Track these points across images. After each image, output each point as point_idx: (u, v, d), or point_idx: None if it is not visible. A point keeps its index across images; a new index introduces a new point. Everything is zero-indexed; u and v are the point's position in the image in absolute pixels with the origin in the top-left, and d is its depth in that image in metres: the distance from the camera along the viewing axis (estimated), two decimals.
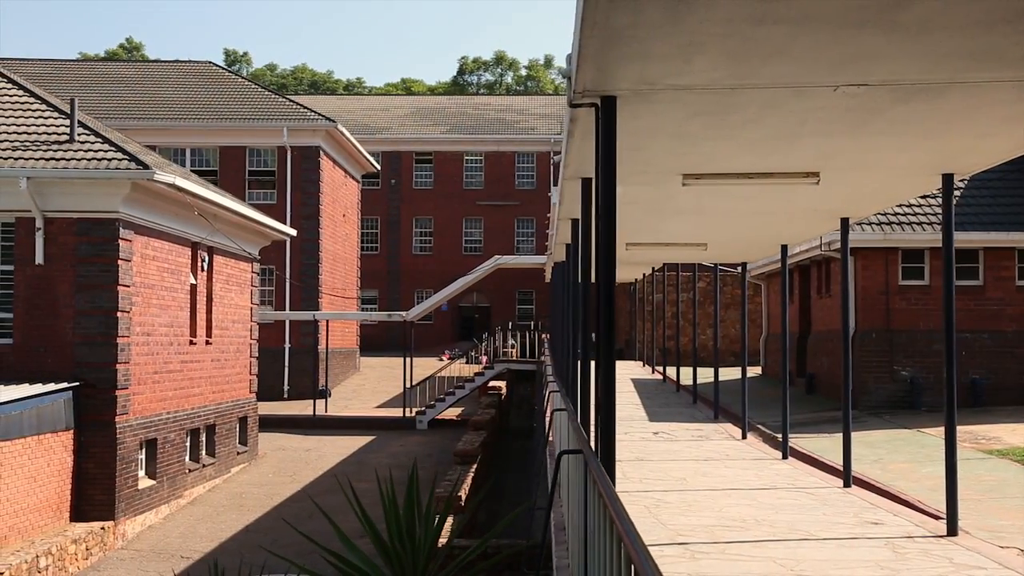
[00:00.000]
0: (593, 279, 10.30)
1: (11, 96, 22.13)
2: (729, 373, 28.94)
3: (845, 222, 12.53)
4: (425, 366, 42.81)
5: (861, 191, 10.49)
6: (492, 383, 38.42)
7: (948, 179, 9.51)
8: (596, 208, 6.86)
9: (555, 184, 55.45)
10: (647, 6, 5.05)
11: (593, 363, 11.06)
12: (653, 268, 30.85)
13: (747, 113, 7.30)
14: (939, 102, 7.07)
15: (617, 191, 10.19)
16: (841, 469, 14.31)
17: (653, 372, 34.92)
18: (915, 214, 23.95)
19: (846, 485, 12.64)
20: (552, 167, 57.54)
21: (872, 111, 7.28)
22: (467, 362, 43.68)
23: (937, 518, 10.92)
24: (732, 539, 9.12)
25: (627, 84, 6.46)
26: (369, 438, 32.99)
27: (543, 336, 42.41)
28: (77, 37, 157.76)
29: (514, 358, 40.99)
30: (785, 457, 15.67)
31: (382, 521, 23.11)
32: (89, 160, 19.60)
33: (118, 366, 19.70)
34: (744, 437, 18.40)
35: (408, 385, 36.98)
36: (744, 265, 19.45)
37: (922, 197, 23.70)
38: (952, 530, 9.56)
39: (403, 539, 6.40)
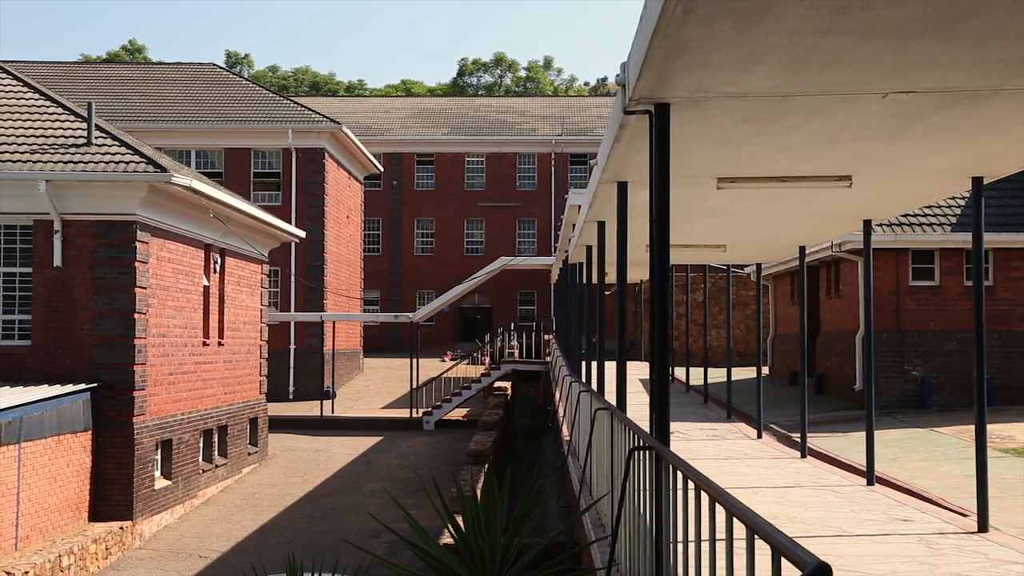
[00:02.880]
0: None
1: (27, 99, 22.27)
2: (735, 373, 29.11)
3: (868, 224, 12.72)
4: (427, 367, 42.94)
5: (889, 193, 10.68)
6: (497, 383, 38.60)
7: (978, 182, 9.70)
8: (650, 212, 7.02)
9: (563, 186, 55.58)
10: (719, 19, 5.22)
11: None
12: None
13: (793, 119, 7.47)
14: (981, 108, 7.25)
15: (646, 194, 10.39)
16: (859, 467, 14.52)
17: None
18: (924, 215, 24.17)
19: (869, 483, 12.82)
20: (553, 168, 57.71)
21: (914, 117, 7.46)
22: (470, 363, 43.82)
23: (963, 515, 11.10)
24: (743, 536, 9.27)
25: (683, 92, 6.63)
26: (377, 439, 33.14)
27: (547, 337, 42.58)
28: (78, 39, 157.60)
29: (517, 359, 41.14)
30: (803, 456, 15.85)
31: (400, 521, 23.18)
32: (107, 163, 19.73)
33: (135, 367, 19.83)
34: (759, 436, 18.58)
35: (414, 386, 37.13)
36: (759, 266, 19.66)
37: None
38: (983, 526, 9.75)
39: (481, 532, 6.55)
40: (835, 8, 5.12)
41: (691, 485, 4.78)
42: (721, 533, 4.06)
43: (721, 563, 4.19)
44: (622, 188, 9.90)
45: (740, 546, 3.90)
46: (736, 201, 11.31)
